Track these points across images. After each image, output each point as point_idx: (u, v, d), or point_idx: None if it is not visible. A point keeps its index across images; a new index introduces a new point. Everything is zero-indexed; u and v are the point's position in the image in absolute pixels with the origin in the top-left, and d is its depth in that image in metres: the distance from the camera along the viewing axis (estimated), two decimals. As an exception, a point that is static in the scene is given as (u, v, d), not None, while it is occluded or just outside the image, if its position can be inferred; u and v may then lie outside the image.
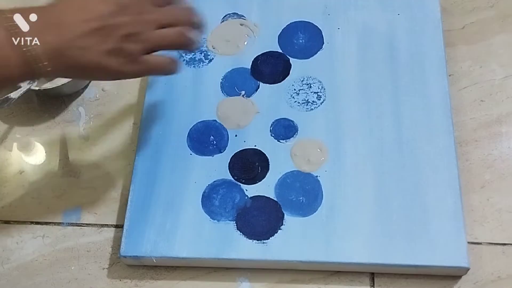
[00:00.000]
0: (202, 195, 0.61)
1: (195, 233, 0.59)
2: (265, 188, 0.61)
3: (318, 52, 0.69)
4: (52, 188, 0.66)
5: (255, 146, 0.64)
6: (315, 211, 0.59)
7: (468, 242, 0.57)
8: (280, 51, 0.69)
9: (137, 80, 0.72)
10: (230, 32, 0.71)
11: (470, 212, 0.60)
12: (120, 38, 0.48)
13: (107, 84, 0.72)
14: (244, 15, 0.71)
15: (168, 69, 0.54)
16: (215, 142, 0.64)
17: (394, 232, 0.57)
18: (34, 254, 0.63)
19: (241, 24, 0.71)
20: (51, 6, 0.48)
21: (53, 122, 0.70)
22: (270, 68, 0.68)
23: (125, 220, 0.60)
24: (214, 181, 0.62)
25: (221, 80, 0.68)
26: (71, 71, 0.49)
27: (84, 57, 0.47)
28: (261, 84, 0.67)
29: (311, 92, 0.66)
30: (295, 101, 0.66)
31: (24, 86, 0.66)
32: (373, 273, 0.59)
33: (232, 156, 0.63)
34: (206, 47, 0.70)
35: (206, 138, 0.64)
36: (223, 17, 0.72)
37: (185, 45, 0.53)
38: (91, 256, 0.62)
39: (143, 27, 0.50)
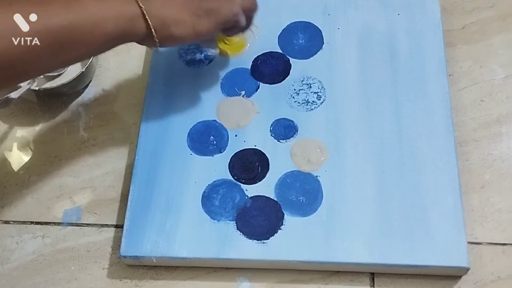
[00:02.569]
0: (202, 195, 0.61)
1: (195, 233, 0.59)
2: (265, 188, 0.61)
3: (318, 52, 0.69)
4: (52, 188, 0.66)
5: (255, 146, 0.64)
6: (315, 211, 0.59)
7: (468, 242, 0.57)
8: (280, 51, 0.69)
9: (137, 80, 0.72)
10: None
11: (470, 212, 0.60)
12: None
13: (107, 84, 0.72)
14: (244, 15, 0.71)
15: (235, 12, 0.58)
16: (215, 142, 0.64)
17: (394, 232, 0.57)
18: (34, 254, 0.63)
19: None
20: None
21: (53, 122, 0.70)
22: (270, 68, 0.68)
23: (125, 220, 0.60)
24: (214, 181, 0.62)
25: (221, 80, 0.68)
26: (158, 26, 0.55)
27: (168, 9, 0.56)
28: (261, 84, 0.67)
29: (311, 92, 0.66)
30: (295, 101, 0.66)
31: (24, 86, 0.66)
32: (373, 273, 0.59)
33: (232, 156, 0.63)
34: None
35: (206, 138, 0.64)
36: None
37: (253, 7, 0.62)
38: (91, 256, 0.62)
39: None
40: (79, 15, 0.51)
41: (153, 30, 0.55)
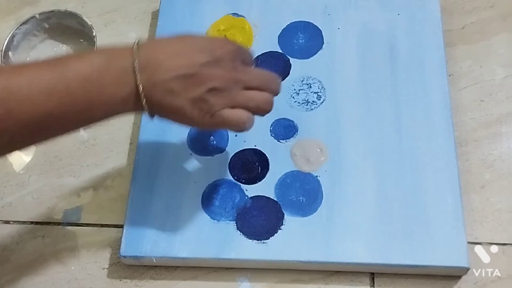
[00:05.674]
0: (202, 195, 0.61)
1: (195, 233, 0.59)
2: (265, 188, 0.61)
3: (318, 52, 0.69)
4: (52, 188, 0.66)
5: (255, 146, 0.64)
6: (315, 211, 0.59)
7: (468, 242, 0.57)
8: (280, 51, 0.69)
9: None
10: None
11: (470, 212, 0.60)
12: (208, 89, 0.48)
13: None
14: (244, 15, 0.71)
15: (243, 127, 0.52)
16: (215, 142, 0.64)
17: (394, 232, 0.57)
18: (34, 254, 0.63)
19: (241, 24, 0.72)
20: (151, 45, 0.49)
21: (53, 122, 0.70)
22: (270, 68, 0.68)
23: (125, 220, 0.60)
24: (214, 181, 0.62)
25: (221, 80, 0.68)
26: (155, 109, 0.49)
27: (169, 99, 0.48)
28: (261, 84, 0.67)
29: (311, 92, 0.66)
30: (295, 101, 0.66)
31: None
32: (373, 273, 0.59)
33: (232, 156, 0.63)
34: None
35: (206, 138, 0.64)
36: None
37: (267, 112, 0.53)
38: (91, 256, 0.62)
39: (232, 84, 0.50)
40: (66, 101, 0.46)
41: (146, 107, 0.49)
